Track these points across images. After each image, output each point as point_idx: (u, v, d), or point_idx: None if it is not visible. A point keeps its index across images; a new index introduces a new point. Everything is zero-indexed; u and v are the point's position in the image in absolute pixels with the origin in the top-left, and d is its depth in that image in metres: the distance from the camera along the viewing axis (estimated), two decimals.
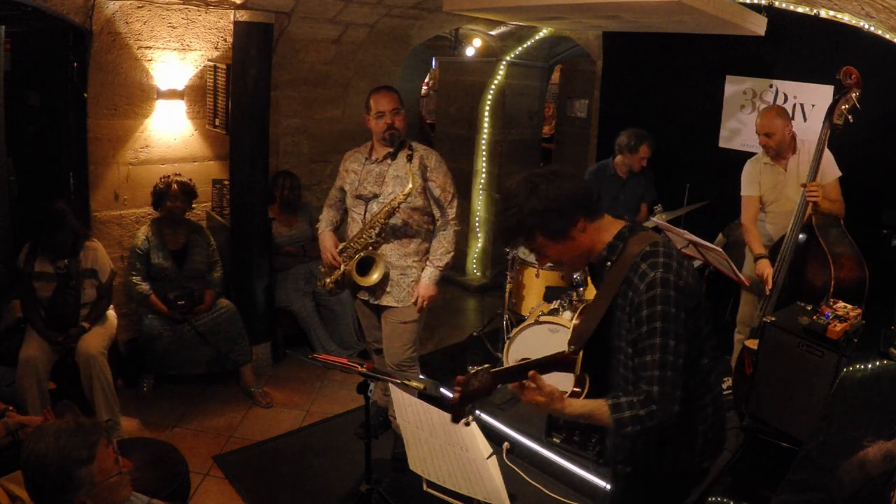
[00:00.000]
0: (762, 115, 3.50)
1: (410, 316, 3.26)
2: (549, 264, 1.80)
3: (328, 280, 3.26)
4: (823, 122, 3.20)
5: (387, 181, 3.16)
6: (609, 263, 1.75)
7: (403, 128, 3.16)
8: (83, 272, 3.49)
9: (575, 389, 1.88)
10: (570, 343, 1.82)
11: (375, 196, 3.16)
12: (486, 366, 1.67)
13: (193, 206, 4.03)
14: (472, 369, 1.67)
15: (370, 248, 3.16)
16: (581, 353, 1.80)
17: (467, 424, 1.85)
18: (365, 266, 3.19)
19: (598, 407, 1.67)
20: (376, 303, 3.27)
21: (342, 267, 3.20)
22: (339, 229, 3.45)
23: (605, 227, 1.76)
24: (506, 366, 1.76)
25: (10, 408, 2.49)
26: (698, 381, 1.74)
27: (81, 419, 1.77)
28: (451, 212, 3.23)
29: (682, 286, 1.64)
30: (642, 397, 1.63)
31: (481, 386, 1.65)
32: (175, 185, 3.83)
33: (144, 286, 3.82)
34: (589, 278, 3.99)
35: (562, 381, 1.78)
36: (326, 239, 3.31)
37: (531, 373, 1.67)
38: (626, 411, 1.63)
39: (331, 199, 3.44)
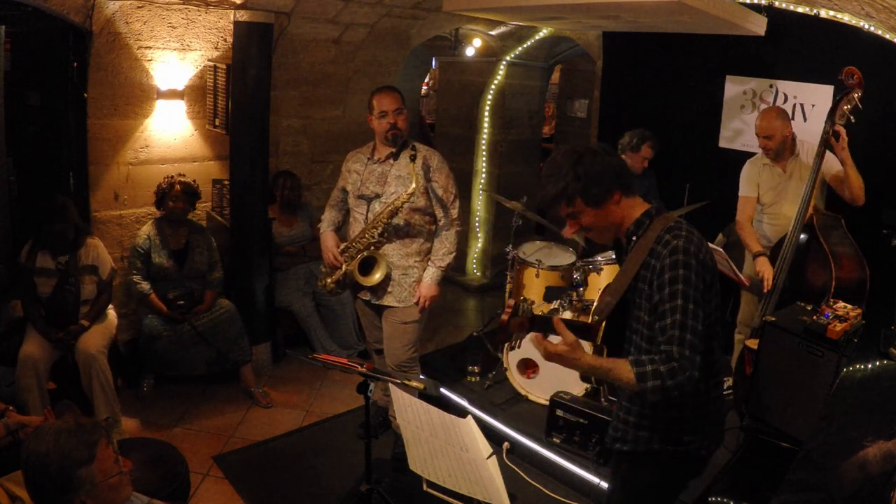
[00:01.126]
0: (761, 116, 3.50)
1: (412, 316, 3.26)
2: (575, 231, 1.93)
3: (329, 280, 3.26)
4: (825, 123, 3.19)
5: (389, 181, 3.16)
6: (635, 238, 1.85)
7: (406, 128, 3.17)
8: (83, 268, 3.49)
9: None
10: (593, 313, 1.91)
11: (378, 196, 3.17)
12: (529, 305, 1.84)
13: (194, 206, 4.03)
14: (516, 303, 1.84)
15: (372, 247, 3.17)
16: (603, 325, 1.88)
17: (512, 349, 1.92)
18: (367, 266, 3.19)
19: (619, 363, 1.72)
20: (378, 303, 3.28)
21: (344, 267, 3.21)
22: (341, 230, 3.45)
23: (637, 205, 1.87)
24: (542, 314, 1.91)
25: (11, 408, 2.49)
26: (708, 361, 1.76)
27: (81, 419, 1.77)
28: (454, 212, 3.24)
29: (703, 258, 1.73)
30: (662, 355, 1.67)
31: (521, 319, 1.81)
32: (178, 186, 3.83)
33: (145, 285, 3.82)
34: (593, 274, 4.01)
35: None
36: (328, 239, 3.31)
37: (556, 319, 1.79)
38: (648, 366, 1.66)
39: (333, 200, 3.44)
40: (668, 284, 1.69)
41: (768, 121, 3.43)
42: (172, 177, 3.88)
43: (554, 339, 1.79)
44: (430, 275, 3.22)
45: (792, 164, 3.49)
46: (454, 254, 3.27)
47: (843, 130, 3.14)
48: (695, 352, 1.65)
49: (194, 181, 3.95)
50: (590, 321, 1.90)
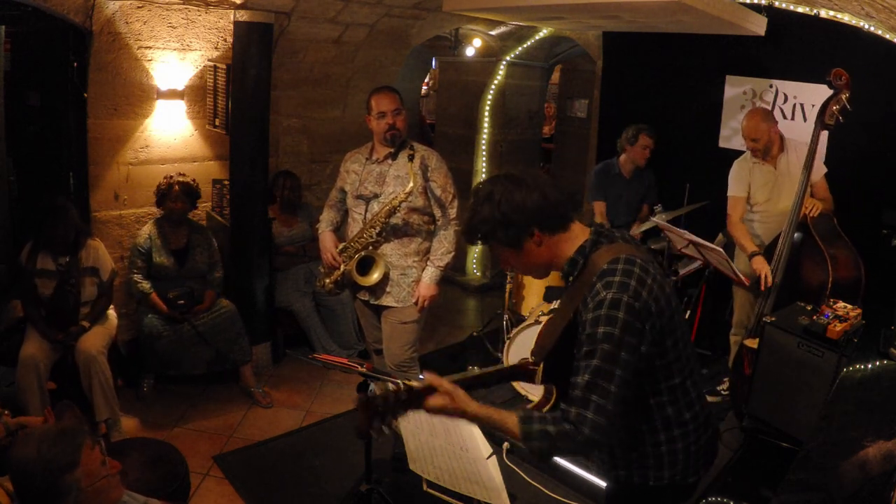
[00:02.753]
0: (747, 118, 3.50)
1: (411, 316, 3.26)
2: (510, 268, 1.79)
3: (328, 280, 3.26)
4: (815, 122, 3.22)
5: (388, 181, 3.16)
6: (571, 279, 1.70)
7: (405, 128, 3.16)
8: (84, 270, 3.49)
9: (541, 400, 1.82)
10: (532, 353, 1.79)
11: (376, 196, 3.17)
12: (396, 387, 1.58)
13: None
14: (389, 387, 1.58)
15: (370, 247, 3.16)
16: (542, 365, 1.75)
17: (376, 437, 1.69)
18: (365, 266, 3.19)
19: (507, 416, 1.61)
20: (376, 303, 3.27)
21: (342, 267, 3.21)
22: (340, 230, 3.45)
23: (569, 238, 1.69)
24: (457, 375, 1.70)
25: (6, 411, 2.47)
26: (673, 398, 1.68)
27: (63, 424, 1.76)
28: (452, 212, 3.24)
29: (638, 307, 1.54)
30: (557, 415, 1.56)
31: (391, 404, 1.56)
32: (177, 187, 3.83)
33: (146, 284, 3.82)
34: None
35: (533, 391, 1.76)
36: (326, 239, 3.31)
37: (426, 373, 1.63)
38: (536, 424, 1.56)
39: (331, 200, 3.44)
40: (586, 342, 1.56)
41: (754, 123, 3.44)
42: (171, 177, 3.87)
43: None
44: (429, 274, 3.22)
45: (783, 162, 3.49)
46: (453, 253, 3.27)
47: (811, 201, 3.32)
48: (599, 414, 1.51)
49: (194, 180, 3.95)
50: (529, 361, 1.79)
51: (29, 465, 1.61)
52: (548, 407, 1.78)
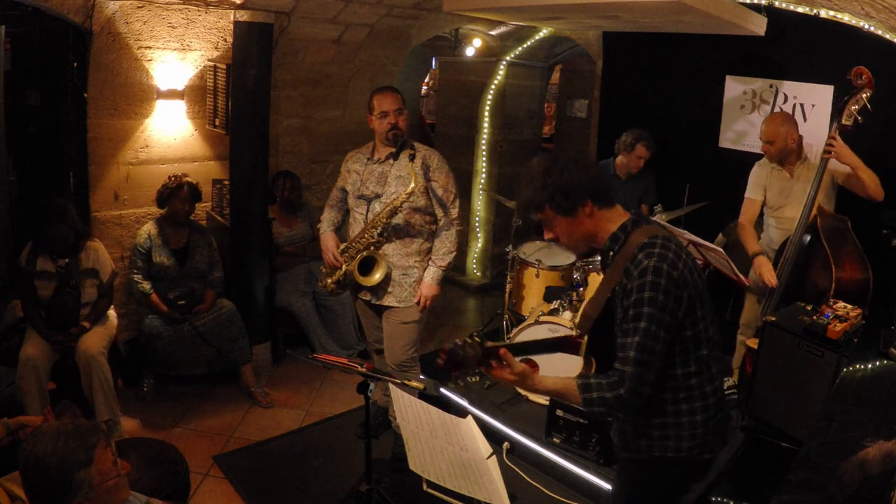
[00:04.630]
0: (766, 121, 3.48)
1: (412, 316, 3.26)
2: (551, 239, 1.94)
3: (329, 280, 3.26)
4: (831, 123, 3.18)
5: (389, 181, 3.16)
6: (612, 253, 1.85)
7: (406, 128, 3.17)
8: (84, 272, 3.49)
9: (582, 371, 1.94)
10: (577, 326, 1.93)
11: (378, 196, 3.17)
12: (478, 340, 1.80)
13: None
14: (462, 341, 1.78)
15: (372, 247, 3.17)
16: (586, 338, 1.90)
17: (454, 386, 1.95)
18: (367, 266, 3.19)
19: (569, 385, 1.78)
20: (378, 303, 3.28)
21: (344, 267, 3.21)
22: (341, 230, 3.45)
23: (614, 217, 1.86)
24: (503, 342, 1.91)
25: (4, 418, 2.47)
26: (698, 370, 1.81)
27: (80, 421, 1.76)
28: (454, 211, 3.24)
29: (675, 276, 1.71)
30: (614, 379, 1.72)
31: (468, 356, 1.75)
32: (186, 189, 3.83)
33: (146, 285, 3.82)
34: (593, 274, 4.01)
35: (572, 362, 1.92)
36: (328, 239, 3.31)
37: (502, 351, 1.79)
38: (594, 392, 1.73)
39: (332, 200, 3.44)
40: (632, 306, 1.72)
41: (773, 126, 3.42)
42: (178, 177, 3.86)
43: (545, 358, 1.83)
44: (431, 274, 3.22)
45: (799, 169, 3.47)
46: (454, 253, 3.27)
47: (836, 141, 3.12)
48: (649, 371, 1.70)
49: (197, 183, 3.95)
50: (574, 334, 1.94)
51: (44, 459, 1.61)
52: None
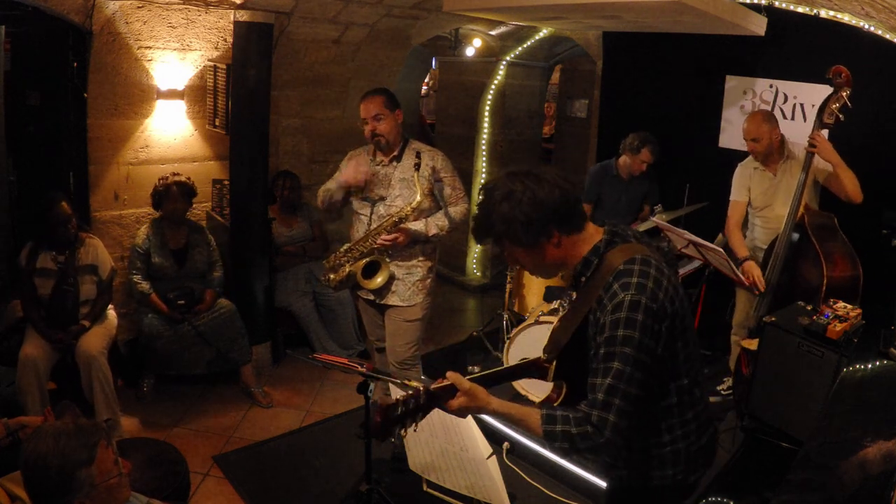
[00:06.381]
0: (748, 120, 3.49)
1: (414, 315, 3.27)
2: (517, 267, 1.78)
3: (332, 276, 3.27)
4: (815, 121, 3.20)
5: (393, 184, 3.17)
6: (584, 279, 1.68)
7: (389, 132, 3.11)
8: (82, 268, 3.49)
9: (551, 395, 1.83)
10: (544, 350, 1.79)
11: (382, 199, 3.17)
12: (415, 392, 1.58)
13: (193, 205, 4.03)
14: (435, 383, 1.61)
15: (376, 252, 3.17)
16: (554, 363, 1.75)
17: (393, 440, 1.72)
18: (371, 269, 3.20)
19: (530, 413, 1.61)
20: (381, 302, 3.28)
21: (348, 268, 3.22)
22: (344, 227, 3.45)
23: (585, 239, 1.67)
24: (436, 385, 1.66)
25: (4, 418, 2.47)
26: (679, 400, 1.69)
27: (81, 420, 1.77)
28: (464, 205, 3.26)
29: (655, 309, 1.54)
30: (579, 416, 1.56)
31: (408, 410, 1.56)
32: (174, 187, 3.82)
33: (145, 285, 3.82)
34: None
35: (543, 387, 1.76)
36: (349, 166, 3.16)
37: (448, 372, 1.62)
38: (559, 425, 1.56)
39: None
40: (604, 344, 1.55)
41: (755, 124, 3.42)
42: (166, 178, 3.85)
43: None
44: (418, 225, 3.13)
45: (783, 167, 3.48)
46: (446, 231, 3.22)
47: (819, 137, 3.14)
48: (620, 417, 1.52)
49: (188, 178, 3.94)
50: (542, 358, 1.78)
51: (45, 458, 1.62)
52: (558, 402, 1.78)
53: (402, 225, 3.11)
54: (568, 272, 1.81)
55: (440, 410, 1.66)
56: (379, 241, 3.11)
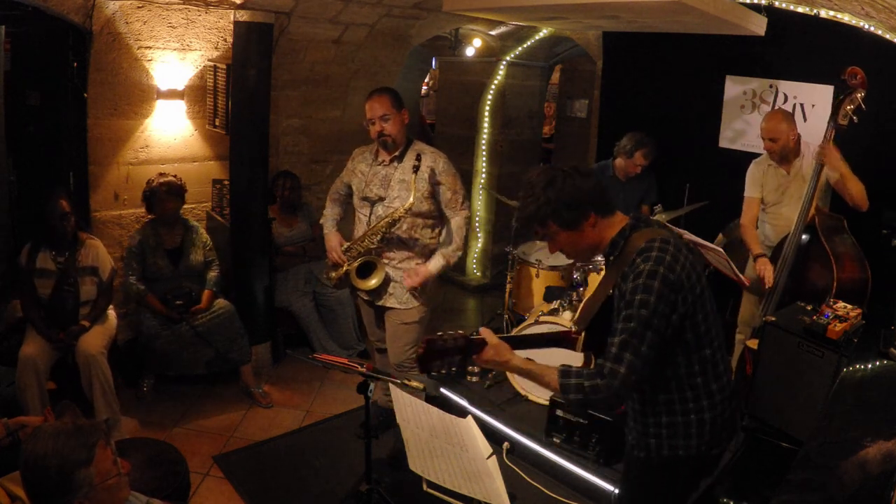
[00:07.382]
0: (767, 118, 3.49)
1: (412, 317, 3.26)
2: (557, 252, 1.96)
3: (333, 274, 3.28)
4: (828, 123, 3.19)
5: (392, 185, 3.16)
6: (611, 258, 1.87)
7: (397, 132, 3.12)
8: (82, 269, 3.49)
9: (583, 365, 1.97)
10: (574, 322, 1.95)
11: (381, 199, 3.17)
12: (461, 332, 1.81)
13: (193, 205, 4.03)
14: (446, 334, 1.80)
15: (373, 252, 3.17)
16: (584, 334, 1.93)
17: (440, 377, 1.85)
18: (366, 270, 3.20)
19: (549, 370, 1.79)
20: (379, 304, 3.28)
21: (346, 266, 3.21)
22: (344, 225, 3.45)
23: (614, 223, 1.87)
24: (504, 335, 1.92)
25: (4, 418, 2.47)
26: (702, 369, 1.82)
27: (80, 420, 1.76)
28: (465, 212, 3.24)
29: (672, 279, 1.71)
30: (593, 370, 1.73)
31: (447, 347, 1.77)
32: (161, 188, 3.80)
33: (140, 286, 3.81)
34: (593, 274, 4.01)
35: (572, 359, 1.92)
36: (332, 239, 3.30)
37: (482, 328, 1.84)
38: (573, 378, 1.74)
39: (334, 193, 3.42)
40: (625, 307, 1.73)
41: (774, 123, 3.42)
42: (152, 180, 3.83)
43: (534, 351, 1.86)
44: (435, 263, 3.20)
45: (796, 166, 3.48)
46: (461, 252, 3.26)
47: (828, 150, 3.14)
48: (631, 371, 1.68)
49: (175, 176, 3.91)
50: (572, 329, 1.97)
51: (45, 458, 1.61)
52: None
53: (420, 267, 3.18)
54: (568, 273, 1.96)
55: (440, 410, 1.69)
56: (408, 284, 3.19)
